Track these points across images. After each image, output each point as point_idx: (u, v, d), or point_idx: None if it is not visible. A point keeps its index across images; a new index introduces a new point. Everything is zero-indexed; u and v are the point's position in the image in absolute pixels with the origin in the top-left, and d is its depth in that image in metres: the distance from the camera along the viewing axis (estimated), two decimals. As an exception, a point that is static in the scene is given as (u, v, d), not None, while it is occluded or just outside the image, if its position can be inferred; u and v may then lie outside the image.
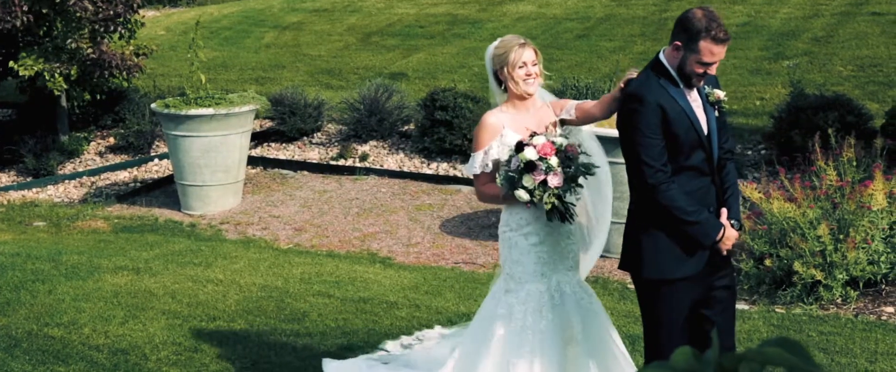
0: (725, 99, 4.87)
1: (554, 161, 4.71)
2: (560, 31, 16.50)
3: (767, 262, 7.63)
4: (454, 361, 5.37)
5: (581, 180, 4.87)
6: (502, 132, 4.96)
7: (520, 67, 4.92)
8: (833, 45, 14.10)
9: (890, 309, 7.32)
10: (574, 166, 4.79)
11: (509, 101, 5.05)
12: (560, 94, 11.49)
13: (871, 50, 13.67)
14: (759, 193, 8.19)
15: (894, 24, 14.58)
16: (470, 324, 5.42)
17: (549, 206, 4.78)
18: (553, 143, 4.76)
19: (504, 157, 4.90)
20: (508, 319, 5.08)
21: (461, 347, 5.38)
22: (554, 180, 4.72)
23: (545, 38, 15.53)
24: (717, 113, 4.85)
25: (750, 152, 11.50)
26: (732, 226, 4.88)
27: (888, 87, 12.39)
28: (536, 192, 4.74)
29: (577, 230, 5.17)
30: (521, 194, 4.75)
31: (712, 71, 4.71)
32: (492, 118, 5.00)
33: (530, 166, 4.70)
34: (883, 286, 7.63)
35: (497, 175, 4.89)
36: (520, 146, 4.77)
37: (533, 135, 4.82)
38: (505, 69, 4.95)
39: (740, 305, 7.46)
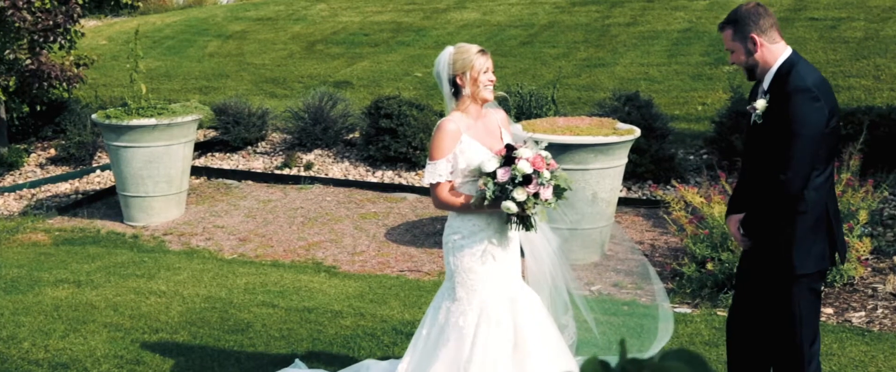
0: (756, 110, 4.85)
1: (547, 174, 4.78)
2: (504, 38, 16.57)
3: (709, 265, 7.71)
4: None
5: (566, 194, 4.95)
6: (461, 138, 4.99)
7: (484, 73, 5.00)
8: (772, 50, 14.28)
9: (829, 310, 7.42)
10: (558, 178, 4.87)
11: (461, 108, 5.07)
12: (503, 100, 11.54)
13: (810, 55, 13.88)
14: (701, 197, 8.28)
15: (832, 29, 14.82)
16: (416, 334, 5.39)
17: (545, 217, 4.88)
18: (542, 155, 4.83)
19: (472, 164, 4.94)
20: (459, 328, 5.07)
21: (410, 357, 5.35)
22: (546, 193, 4.79)
23: (489, 45, 15.59)
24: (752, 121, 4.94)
25: (692, 157, 11.62)
26: (738, 230, 5.10)
27: (826, 92, 12.57)
28: (528, 203, 4.78)
29: (516, 237, 5.20)
30: (510, 206, 4.78)
31: (732, 60, 4.95)
32: (451, 125, 5.00)
33: (527, 179, 4.75)
34: (822, 288, 7.73)
35: (484, 184, 4.88)
36: (510, 159, 4.81)
37: (509, 147, 4.87)
38: (468, 74, 4.99)
39: (683, 309, 7.53)
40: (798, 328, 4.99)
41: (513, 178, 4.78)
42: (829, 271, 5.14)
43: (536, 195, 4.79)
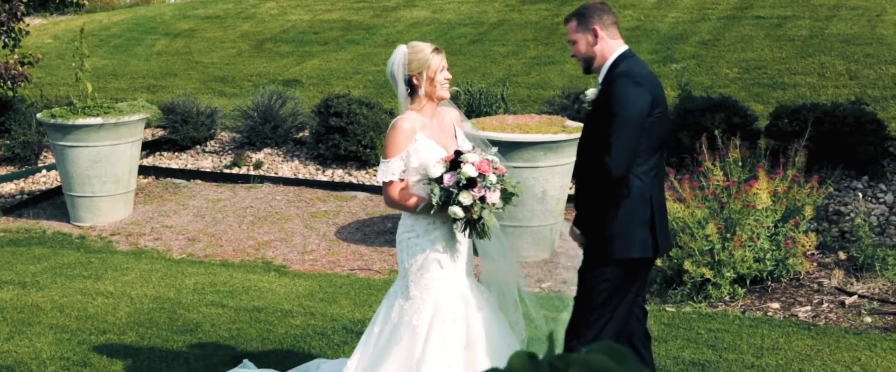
0: (587, 97, 4.96)
1: (493, 178, 4.77)
2: (454, 36, 16.58)
3: (658, 261, 7.77)
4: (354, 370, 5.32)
5: (515, 199, 4.94)
6: (416, 137, 4.97)
7: (441, 72, 5.00)
8: (719, 48, 14.44)
9: (775, 305, 7.51)
10: (506, 183, 4.86)
11: (416, 107, 5.06)
12: (454, 98, 11.55)
13: (756, 53, 14.03)
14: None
15: (777, 27, 14.99)
16: (367, 332, 5.37)
17: (492, 221, 4.86)
18: (488, 159, 4.82)
19: (425, 163, 4.93)
20: (412, 327, 5.06)
21: (360, 355, 5.33)
22: (493, 197, 4.78)
23: (439, 43, 15.57)
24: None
25: (641, 154, 11.69)
26: (571, 230, 5.11)
27: (772, 89, 12.73)
28: (474, 207, 4.77)
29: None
30: (457, 211, 4.76)
31: (573, 52, 5.02)
32: (406, 123, 4.99)
33: (472, 183, 4.74)
34: (768, 283, 7.83)
35: (431, 190, 4.86)
36: (455, 163, 4.80)
37: (458, 151, 4.86)
38: (425, 74, 4.98)
39: (632, 305, 7.58)
40: (598, 303, 4.87)
41: (458, 182, 4.77)
42: (651, 263, 5.05)
43: (483, 199, 4.78)
